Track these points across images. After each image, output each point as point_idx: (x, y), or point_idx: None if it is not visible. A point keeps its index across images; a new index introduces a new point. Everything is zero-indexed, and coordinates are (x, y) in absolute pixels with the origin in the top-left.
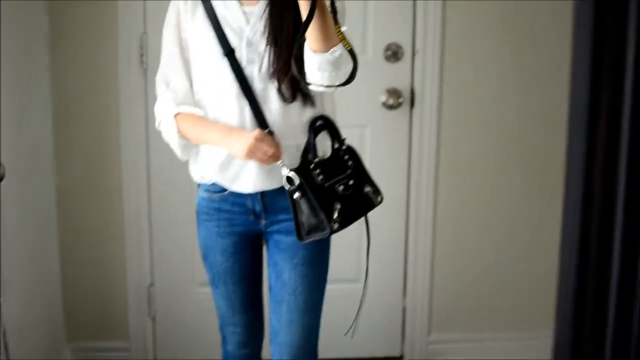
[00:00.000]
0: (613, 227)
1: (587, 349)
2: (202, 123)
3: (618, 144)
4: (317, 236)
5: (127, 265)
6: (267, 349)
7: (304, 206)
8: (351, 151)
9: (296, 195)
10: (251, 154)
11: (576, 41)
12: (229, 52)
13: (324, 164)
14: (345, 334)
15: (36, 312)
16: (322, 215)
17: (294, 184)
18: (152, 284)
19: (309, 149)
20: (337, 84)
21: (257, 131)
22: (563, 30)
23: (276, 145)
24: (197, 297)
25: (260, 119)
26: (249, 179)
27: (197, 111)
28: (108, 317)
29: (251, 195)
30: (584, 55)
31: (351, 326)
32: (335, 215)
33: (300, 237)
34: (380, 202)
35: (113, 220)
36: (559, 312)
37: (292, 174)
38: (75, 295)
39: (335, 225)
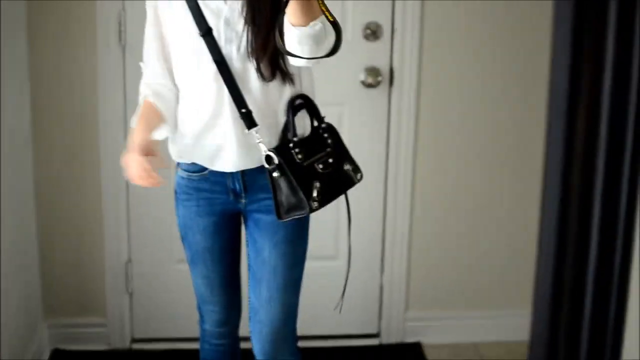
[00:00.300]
0: (591, 207)
1: (564, 329)
2: (141, 113)
3: (597, 128)
4: (296, 215)
5: (105, 242)
6: (244, 327)
7: (283, 185)
8: (331, 129)
9: (275, 174)
10: (125, 166)
11: (556, 29)
12: (206, 32)
13: (303, 142)
14: (334, 309)
15: (13, 288)
16: (301, 194)
17: (273, 163)
18: (129, 260)
19: (288, 127)
20: (319, 56)
21: (136, 148)
22: (545, 10)
23: (148, 171)
24: (174, 274)
25: (238, 99)
26: (229, 158)
27: (161, 96)
28: (85, 293)
29: (231, 174)
30: (564, 39)
31: (339, 302)
32: (315, 194)
33: (279, 216)
34: (360, 179)
35: (91, 197)
36: (537, 293)
37: (271, 153)
38: (52, 271)
39: (315, 204)
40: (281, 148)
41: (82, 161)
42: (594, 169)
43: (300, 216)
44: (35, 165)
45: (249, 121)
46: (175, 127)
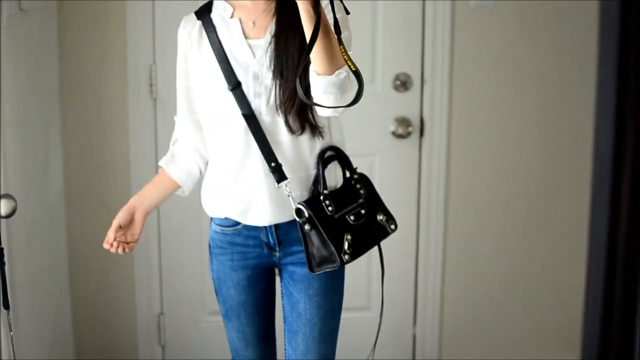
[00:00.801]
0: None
1: None
2: (154, 178)
3: None
4: (328, 268)
5: (137, 294)
6: None
7: (314, 238)
8: (363, 179)
9: (306, 227)
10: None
11: (600, 74)
12: (236, 86)
13: (334, 194)
14: None
15: (46, 341)
16: (332, 247)
17: (303, 216)
18: (162, 312)
19: (319, 180)
20: (343, 105)
21: (118, 214)
22: (574, 56)
23: (109, 240)
24: (206, 326)
25: (267, 153)
26: (261, 212)
27: (176, 161)
28: (118, 345)
29: (265, 228)
30: (608, 88)
31: (371, 354)
32: (346, 246)
33: (311, 268)
34: (394, 230)
35: None
36: (585, 342)
37: (301, 206)
38: (85, 323)
39: (346, 257)
40: (311, 201)
41: (113, 213)
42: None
43: (332, 269)
44: (67, 218)
45: (279, 175)
46: (193, 184)
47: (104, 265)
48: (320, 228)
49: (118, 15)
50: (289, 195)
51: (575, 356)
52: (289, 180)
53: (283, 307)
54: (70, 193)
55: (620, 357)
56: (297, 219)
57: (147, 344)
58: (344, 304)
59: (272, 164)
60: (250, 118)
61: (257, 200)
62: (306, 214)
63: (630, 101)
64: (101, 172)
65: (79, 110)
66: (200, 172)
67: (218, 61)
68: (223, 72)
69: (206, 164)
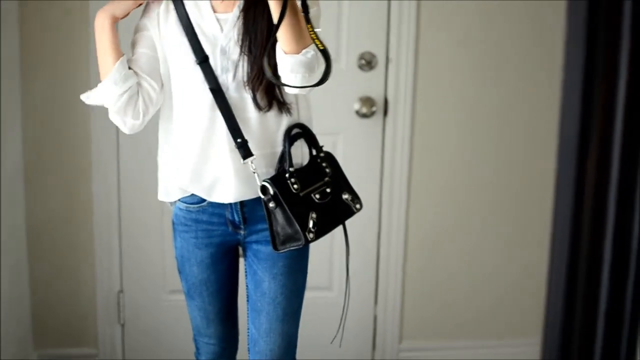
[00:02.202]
0: (603, 237)
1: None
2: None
3: (608, 173)
4: (292, 246)
5: (97, 272)
6: (240, 357)
7: (279, 216)
8: (329, 158)
9: (271, 204)
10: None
11: (568, 54)
12: (203, 60)
13: (300, 172)
14: (331, 342)
15: (3, 319)
16: (297, 226)
17: (268, 194)
18: (121, 291)
19: (285, 157)
20: (311, 85)
21: None
22: (539, 42)
23: None
24: (166, 305)
25: (233, 129)
26: (227, 189)
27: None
28: (77, 323)
29: (230, 206)
30: (575, 67)
31: (336, 334)
32: (311, 224)
33: (275, 247)
34: (360, 209)
35: (83, 226)
36: (547, 321)
37: (266, 183)
38: (43, 301)
39: (311, 235)
40: (277, 178)
41: (73, 192)
42: (605, 213)
43: (297, 247)
44: (26, 197)
45: (245, 151)
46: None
47: (64, 242)
48: (285, 206)
49: (81, 12)
50: (254, 172)
51: (538, 337)
52: (254, 156)
53: (247, 286)
54: (29, 168)
55: (583, 340)
56: (262, 197)
57: (106, 322)
58: (306, 283)
59: (238, 140)
60: (217, 93)
61: (222, 176)
62: (271, 191)
63: (597, 85)
64: (61, 147)
65: (38, 83)
66: (139, 107)
67: (185, 34)
68: (190, 46)
69: (148, 110)
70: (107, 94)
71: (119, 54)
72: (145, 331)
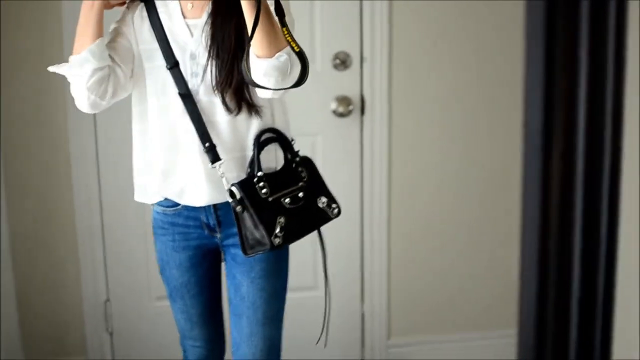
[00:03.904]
0: (572, 227)
1: (551, 347)
2: None
3: (574, 153)
4: (259, 250)
5: (82, 282)
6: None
7: (247, 220)
8: (306, 162)
9: (238, 209)
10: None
11: (528, 46)
12: (174, 65)
13: (271, 176)
14: (316, 344)
15: None
16: (263, 230)
17: (235, 198)
18: (108, 299)
19: (253, 162)
20: (286, 87)
21: None
22: (513, 35)
23: None
24: (153, 311)
25: (201, 133)
26: (197, 192)
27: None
28: (65, 333)
29: (204, 209)
30: (536, 62)
31: (320, 336)
32: (277, 229)
33: (244, 250)
34: (337, 214)
35: (66, 237)
36: (521, 312)
37: (233, 188)
38: (31, 312)
39: (277, 240)
40: (245, 182)
41: (55, 201)
42: (572, 204)
43: (263, 252)
44: (8, 207)
45: (213, 155)
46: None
47: (48, 253)
48: (251, 210)
49: (54, 11)
50: (222, 176)
51: None
52: (222, 161)
53: (228, 290)
54: (10, 181)
55: (557, 330)
56: (229, 200)
57: (94, 331)
58: (290, 284)
59: (207, 144)
60: (187, 97)
61: (193, 180)
62: (238, 196)
63: (558, 77)
64: (40, 159)
65: (17, 96)
66: (107, 87)
67: (157, 40)
68: (162, 51)
69: (116, 93)
70: (82, 66)
71: (101, 34)
72: (134, 338)
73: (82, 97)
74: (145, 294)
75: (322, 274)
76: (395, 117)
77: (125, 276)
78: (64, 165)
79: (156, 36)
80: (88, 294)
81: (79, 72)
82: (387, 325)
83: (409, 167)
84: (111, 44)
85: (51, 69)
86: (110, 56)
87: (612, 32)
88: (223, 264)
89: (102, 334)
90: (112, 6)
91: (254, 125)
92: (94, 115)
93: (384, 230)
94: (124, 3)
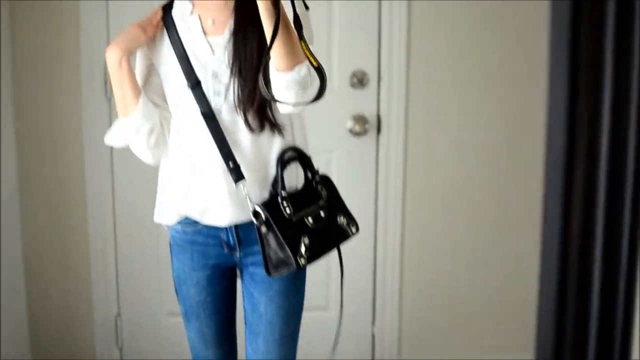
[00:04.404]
0: (593, 249)
1: None
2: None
3: (595, 182)
4: (284, 271)
5: (94, 295)
6: None
7: (271, 240)
8: (325, 181)
9: (263, 229)
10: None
11: (552, 71)
12: (195, 85)
13: (293, 196)
14: None
15: (2, 343)
16: (288, 251)
17: (260, 218)
18: (119, 314)
19: (277, 181)
20: (305, 102)
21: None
22: (533, 54)
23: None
24: (164, 327)
25: (225, 153)
26: (222, 212)
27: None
28: (75, 347)
29: (225, 228)
30: (559, 84)
31: (331, 355)
32: (303, 249)
33: (268, 271)
34: (356, 232)
35: (79, 250)
36: (539, 334)
37: (258, 208)
38: (42, 326)
39: (302, 261)
40: (269, 203)
41: (69, 215)
42: (594, 223)
43: (289, 272)
44: (22, 221)
45: (237, 175)
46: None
47: (60, 267)
48: (276, 231)
49: (71, 13)
50: (246, 196)
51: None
52: (246, 180)
53: (244, 308)
54: (24, 194)
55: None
56: (254, 221)
57: (104, 345)
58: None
59: (230, 164)
60: (209, 117)
61: (216, 199)
62: (263, 216)
63: (582, 100)
64: (55, 173)
65: (32, 110)
66: (157, 134)
67: (178, 59)
68: (183, 70)
69: (160, 135)
70: (137, 132)
71: (139, 90)
72: (144, 354)
73: (147, 157)
74: (157, 309)
75: (333, 295)
76: (411, 136)
77: (136, 291)
78: (79, 180)
79: (177, 54)
80: (99, 308)
81: (135, 138)
82: (398, 347)
83: (424, 187)
84: (147, 86)
85: (107, 142)
86: (154, 102)
87: (636, 58)
88: (239, 283)
89: (112, 348)
90: (137, 49)
91: (277, 144)
92: (110, 122)
93: (397, 251)
94: (151, 33)
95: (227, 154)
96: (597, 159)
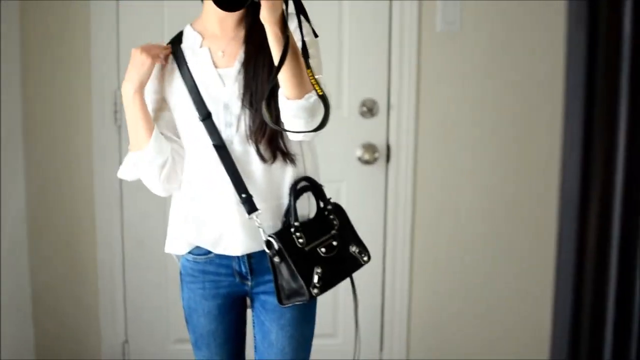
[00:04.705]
0: (608, 260)
1: None
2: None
3: (609, 229)
4: (297, 301)
5: (101, 323)
6: None
7: (283, 270)
8: (337, 210)
9: (275, 259)
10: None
11: (567, 102)
12: (206, 117)
13: (306, 225)
14: None
15: None
16: (301, 281)
17: (273, 249)
18: (126, 341)
19: (290, 211)
20: (309, 130)
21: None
22: (537, 88)
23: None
24: (172, 354)
25: (238, 184)
26: (233, 242)
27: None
28: None
29: (237, 257)
30: (575, 117)
31: None
32: (315, 280)
33: (280, 301)
34: (367, 261)
35: (87, 277)
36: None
37: (271, 239)
38: (50, 353)
39: (315, 291)
40: (282, 233)
41: (77, 240)
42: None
43: (301, 302)
44: (30, 245)
45: (250, 206)
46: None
47: (69, 294)
48: (289, 261)
49: (82, 40)
50: (259, 227)
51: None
52: (259, 211)
53: (254, 337)
54: (33, 223)
55: None
56: (267, 251)
57: None
58: None
59: (243, 195)
60: (221, 148)
61: (229, 230)
62: (276, 247)
63: (598, 130)
64: (64, 201)
65: (42, 138)
66: (169, 169)
67: (189, 92)
68: (194, 103)
69: (170, 172)
70: (150, 164)
71: (152, 124)
72: None
73: (158, 190)
74: (164, 336)
75: (341, 322)
76: (420, 165)
77: (144, 318)
78: (88, 208)
79: (187, 87)
80: (107, 334)
81: (148, 171)
82: None
83: (433, 216)
84: (159, 121)
85: (120, 176)
86: (165, 135)
87: None
88: (249, 312)
89: None
90: (148, 77)
91: (289, 173)
92: (120, 151)
93: (406, 279)
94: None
95: (239, 185)
96: (611, 201)
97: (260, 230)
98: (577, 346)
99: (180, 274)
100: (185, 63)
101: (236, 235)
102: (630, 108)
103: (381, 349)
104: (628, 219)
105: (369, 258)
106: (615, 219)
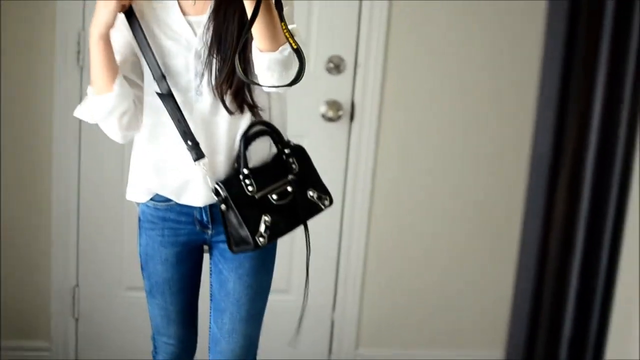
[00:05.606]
0: (573, 247)
1: None
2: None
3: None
4: (244, 249)
5: (52, 265)
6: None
7: (232, 219)
8: (298, 152)
9: (222, 207)
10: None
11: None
12: (162, 78)
13: (259, 171)
14: (288, 345)
15: None
16: (246, 230)
17: (220, 196)
18: (77, 285)
19: (239, 158)
20: (285, 84)
21: None
22: (509, 46)
23: None
24: (123, 301)
25: (184, 131)
26: (197, 192)
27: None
28: (31, 316)
29: (200, 206)
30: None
31: (294, 338)
32: (262, 229)
33: (230, 248)
34: (329, 205)
35: (40, 220)
36: (511, 335)
37: (217, 187)
38: None
39: (261, 240)
40: (230, 180)
41: (32, 182)
42: (576, 221)
43: (248, 250)
44: None
45: (197, 153)
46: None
47: (20, 233)
48: (235, 209)
49: None
50: (205, 175)
51: (498, 354)
52: (206, 159)
53: (210, 285)
54: None
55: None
56: (215, 199)
57: (60, 315)
58: None
59: (189, 142)
60: (165, 97)
61: (192, 180)
62: (222, 195)
63: (573, 97)
64: (22, 139)
65: (1, 74)
66: (133, 114)
67: (142, 53)
68: (147, 63)
69: (134, 115)
70: (111, 113)
71: (117, 70)
72: (100, 327)
73: (117, 137)
74: (116, 283)
75: (296, 278)
76: (384, 125)
77: (97, 264)
78: (44, 152)
79: (140, 48)
80: (57, 278)
81: (107, 119)
82: (356, 335)
83: (394, 177)
84: (125, 65)
85: (77, 115)
86: (129, 78)
87: (631, 57)
88: (205, 261)
89: (68, 319)
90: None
91: (245, 122)
92: (80, 93)
93: (362, 238)
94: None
95: (185, 132)
96: (584, 159)
97: (207, 177)
98: (536, 318)
99: (139, 220)
100: (138, 22)
101: (199, 185)
102: (608, 71)
103: (334, 308)
104: (598, 186)
105: (331, 202)
106: (586, 184)
